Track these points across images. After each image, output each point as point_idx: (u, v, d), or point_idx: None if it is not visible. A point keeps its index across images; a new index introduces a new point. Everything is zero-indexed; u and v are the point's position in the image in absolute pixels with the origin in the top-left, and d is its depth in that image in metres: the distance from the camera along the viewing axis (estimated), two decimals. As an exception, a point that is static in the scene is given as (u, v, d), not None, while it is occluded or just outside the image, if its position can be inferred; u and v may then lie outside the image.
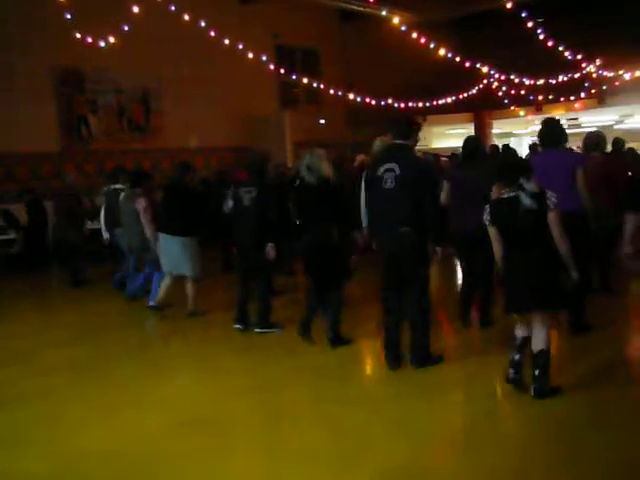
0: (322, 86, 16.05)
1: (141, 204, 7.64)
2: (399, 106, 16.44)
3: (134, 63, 14.26)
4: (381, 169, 5.08)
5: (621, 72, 15.22)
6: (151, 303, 7.66)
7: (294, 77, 15.98)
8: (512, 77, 16.25)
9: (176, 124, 15.37)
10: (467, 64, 15.20)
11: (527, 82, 16.31)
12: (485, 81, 16.70)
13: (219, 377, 5.57)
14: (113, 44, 11.61)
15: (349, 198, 6.43)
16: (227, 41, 12.91)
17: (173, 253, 7.23)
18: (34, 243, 11.31)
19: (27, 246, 11.38)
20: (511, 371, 4.64)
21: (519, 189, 4.41)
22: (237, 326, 6.76)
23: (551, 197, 4.36)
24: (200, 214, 7.49)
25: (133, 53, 13.51)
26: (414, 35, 13.77)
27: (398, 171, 4.98)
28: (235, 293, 7.03)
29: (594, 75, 15.70)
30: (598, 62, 15.27)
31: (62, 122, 13.97)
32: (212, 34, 12.60)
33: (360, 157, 9.02)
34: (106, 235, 9.04)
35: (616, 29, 14.73)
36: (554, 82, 15.88)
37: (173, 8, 11.76)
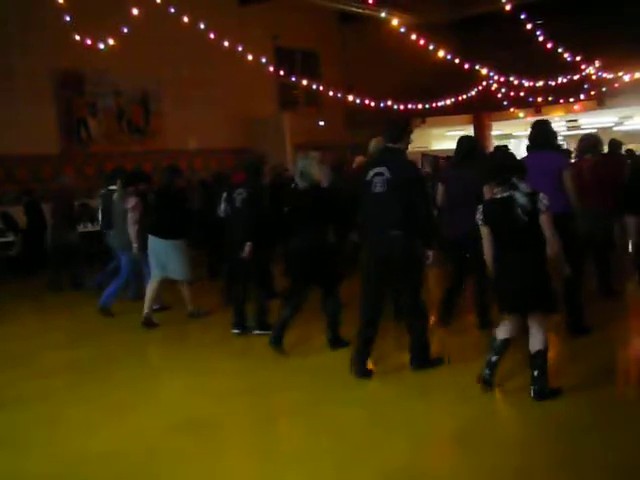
0: (321, 88, 16.04)
1: (130, 203, 7.68)
2: (398, 108, 16.44)
3: (133, 65, 14.26)
4: (371, 173, 5.06)
5: (620, 74, 15.22)
6: (102, 303, 7.79)
7: (293, 79, 15.95)
8: (511, 79, 16.24)
9: (176, 126, 15.38)
10: (466, 66, 15.18)
11: (526, 84, 16.30)
12: (484, 83, 16.69)
13: (217, 379, 5.57)
14: (112, 46, 11.59)
15: (348, 201, 6.41)
16: (226, 43, 12.89)
17: (163, 256, 7.24)
18: (33, 246, 11.31)
19: (26, 249, 11.37)
20: (486, 372, 4.62)
21: (512, 189, 4.41)
22: (235, 331, 6.75)
23: (543, 199, 4.36)
24: (190, 217, 7.52)
25: (132, 55, 13.50)
26: (413, 37, 13.76)
27: (387, 175, 4.96)
28: (222, 297, 7.05)
29: (593, 77, 15.69)
30: (597, 64, 15.27)
31: (62, 124, 13.96)
32: (211, 36, 12.59)
33: (359, 159, 9.01)
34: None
35: (616, 29, 14.74)
36: (553, 84, 15.88)
37: (172, 10, 11.76)
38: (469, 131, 19.05)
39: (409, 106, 16.73)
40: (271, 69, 14.87)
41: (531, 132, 5.99)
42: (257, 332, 6.61)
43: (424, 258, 5.08)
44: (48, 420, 4.85)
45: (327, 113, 18.13)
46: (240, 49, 13.28)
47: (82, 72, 14.06)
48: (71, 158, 13.86)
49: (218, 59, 14.27)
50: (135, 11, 11.11)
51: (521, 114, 17.46)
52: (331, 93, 15.90)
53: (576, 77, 15.56)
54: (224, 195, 6.88)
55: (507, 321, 4.65)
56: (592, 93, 16.38)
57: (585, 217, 6.72)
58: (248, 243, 6.42)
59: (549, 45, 14.35)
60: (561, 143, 21.59)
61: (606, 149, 9.12)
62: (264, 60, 14.10)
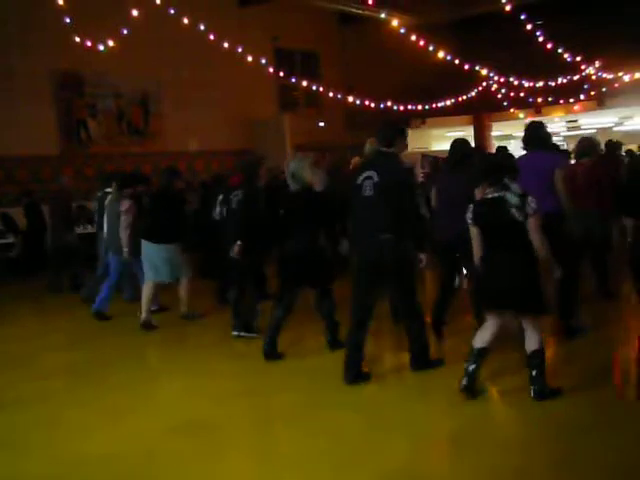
0: (321, 89, 16.05)
1: (124, 205, 7.62)
2: (398, 108, 16.44)
3: (133, 67, 14.26)
4: (361, 177, 5.04)
5: (620, 74, 15.22)
6: (96, 308, 7.79)
7: (293, 80, 15.96)
8: (511, 79, 16.23)
9: (176, 127, 15.38)
10: (466, 66, 15.18)
11: (526, 84, 16.29)
12: (484, 83, 16.69)
13: (215, 381, 5.57)
14: (112, 48, 11.59)
15: (342, 204, 6.36)
16: (226, 44, 12.90)
17: (156, 260, 7.20)
18: (33, 247, 11.31)
19: (26, 250, 11.38)
20: (465, 381, 4.57)
21: (504, 189, 4.41)
22: (235, 333, 6.72)
23: (531, 202, 4.35)
24: (185, 221, 7.50)
25: (132, 57, 13.51)
26: (413, 37, 13.76)
27: (376, 178, 4.94)
28: (216, 298, 7.03)
29: (593, 77, 15.69)
30: (597, 64, 15.27)
31: (61, 126, 13.98)
32: (211, 37, 12.60)
33: (355, 160, 9.01)
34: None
35: (615, 29, 14.74)
36: (553, 84, 15.87)
37: (172, 11, 11.77)
38: (469, 132, 19.06)
39: (409, 107, 16.74)
40: (271, 70, 14.88)
41: (525, 133, 6.01)
42: (242, 334, 6.58)
43: (416, 261, 5.05)
44: (48, 422, 4.85)
45: (327, 114, 18.13)
46: (240, 50, 13.29)
47: (82, 73, 14.08)
48: (71, 159, 13.87)
49: (218, 60, 14.27)
50: (135, 12, 11.12)
51: (521, 115, 17.45)
52: (331, 94, 15.90)
53: (576, 77, 15.56)
54: (220, 197, 6.88)
55: (486, 327, 4.61)
56: (592, 93, 16.38)
57: (582, 218, 6.73)
58: (238, 242, 6.41)
59: (549, 45, 14.35)
60: (561, 144, 21.63)
61: (604, 150, 9.11)
62: (264, 61, 14.11)
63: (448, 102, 16.97)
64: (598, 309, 6.85)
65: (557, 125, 20.57)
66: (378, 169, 5.00)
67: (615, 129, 20.41)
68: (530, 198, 4.37)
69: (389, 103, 16.18)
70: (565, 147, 19.67)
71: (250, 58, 13.61)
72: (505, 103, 17.31)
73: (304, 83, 15.74)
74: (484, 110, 18.30)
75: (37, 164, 13.37)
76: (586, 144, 7.07)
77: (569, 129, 20.87)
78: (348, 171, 9.63)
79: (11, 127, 12.56)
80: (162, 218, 7.17)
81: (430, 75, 15.73)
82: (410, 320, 5.18)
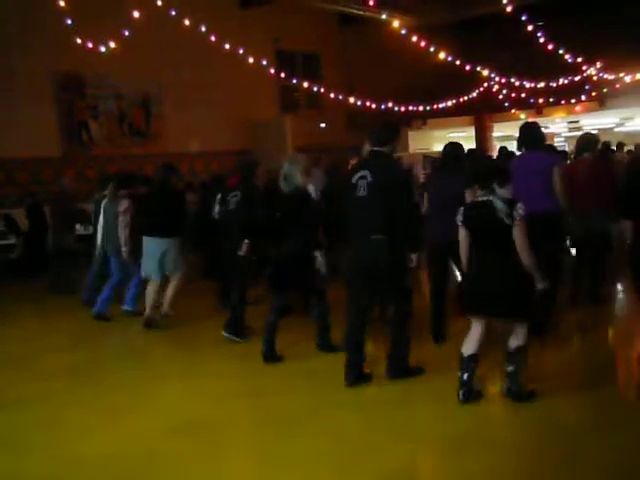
0: (323, 90, 16.06)
1: (123, 205, 7.64)
2: (399, 109, 16.44)
3: (135, 68, 14.27)
4: (355, 177, 5.03)
5: (622, 75, 15.21)
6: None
7: (295, 81, 15.98)
8: (512, 80, 16.23)
9: (177, 129, 15.39)
10: (467, 67, 15.19)
11: (527, 85, 16.29)
12: (485, 84, 16.68)
13: (215, 382, 5.57)
14: (114, 49, 11.60)
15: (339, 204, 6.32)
16: (227, 46, 12.92)
17: (160, 255, 7.23)
18: (34, 249, 11.32)
19: (27, 251, 11.38)
20: (461, 391, 4.55)
21: (491, 193, 4.41)
22: (225, 334, 6.66)
23: (519, 209, 4.31)
24: (184, 216, 7.51)
25: (134, 58, 13.52)
26: (414, 38, 13.75)
27: (370, 178, 4.92)
28: (218, 299, 6.98)
29: (594, 78, 15.69)
30: (598, 65, 15.26)
31: (63, 127, 13.98)
32: (212, 39, 12.61)
33: (353, 161, 9.01)
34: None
35: (616, 30, 14.73)
36: (555, 85, 15.86)
37: (174, 13, 11.79)
38: (470, 133, 19.07)
39: (410, 108, 16.75)
40: (272, 72, 14.90)
41: (519, 134, 6.01)
42: (226, 335, 6.55)
43: (408, 262, 5.00)
44: (48, 422, 4.86)
45: (328, 115, 18.13)
46: (241, 52, 13.32)
47: (83, 75, 14.08)
48: (72, 161, 13.87)
49: (219, 62, 14.28)
50: (136, 14, 11.12)
51: (522, 115, 17.43)
52: (332, 95, 15.90)
53: (577, 78, 15.55)
54: (218, 197, 6.89)
55: (471, 334, 4.59)
56: (593, 94, 16.37)
57: (582, 218, 6.73)
58: (246, 241, 6.41)
59: (550, 46, 14.35)
60: (562, 144, 21.61)
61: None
62: (265, 63, 14.12)
63: (449, 103, 16.97)
64: (597, 309, 6.84)
65: (558, 126, 20.59)
66: (372, 169, 4.98)
67: (616, 130, 20.41)
68: (519, 205, 4.33)
69: (390, 104, 16.18)
70: (566, 148, 19.65)
71: (251, 59, 13.63)
72: (506, 104, 17.31)
73: (305, 84, 15.75)
74: (485, 111, 18.30)
75: (38, 166, 13.37)
76: (586, 140, 7.09)
77: (570, 130, 20.87)
78: (347, 171, 9.62)
79: (12, 128, 12.55)
80: (161, 213, 7.18)
81: (431, 76, 15.73)
82: (396, 324, 5.08)
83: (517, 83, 16.27)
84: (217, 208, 6.88)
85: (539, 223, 4.92)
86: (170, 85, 15.23)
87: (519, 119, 17.83)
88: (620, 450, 3.82)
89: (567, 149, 18.75)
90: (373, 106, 15.93)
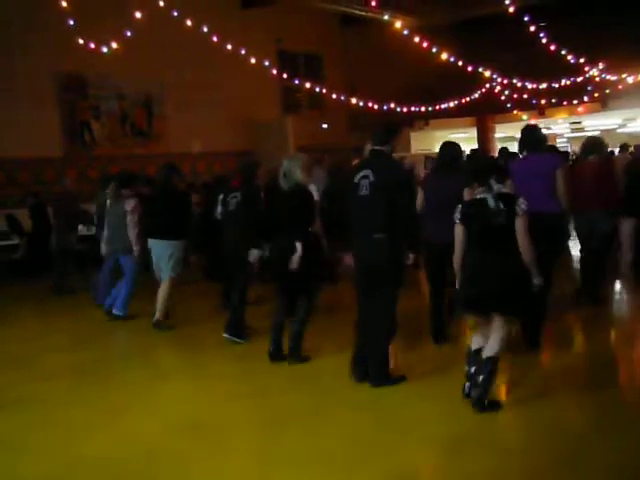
0: (325, 91, 16.06)
1: (130, 205, 7.60)
2: (402, 110, 16.44)
3: (137, 69, 14.29)
4: (357, 176, 5.03)
5: (624, 76, 15.20)
6: (115, 311, 7.73)
7: (297, 82, 15.98)
8: (515, 81, 16.23)
9: (179, 129, 15.40)
10: (469, 68, 15.19)
11: (530, 86, 16.28)
12: (488, 85, 16.68)
13: (219, 382, 5.56)
14: (116, 50, 11.61)
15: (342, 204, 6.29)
16: (229, 46, 12.93)
17: (166, 258, 7.22)
18: (37, 249, 11.33)
19: (30, 252, 11.39)
20: (467, 385, 4.54)
21: (489, 190, 4.41)
22: (226, 336, 6.65)
23: (521, 204, 4.32)
24: (189, 217, 7.49)
25: (136, 59, 13.52)
26: (416, 39, 13.77)
27: (372, 178, 4.92)
28: (222, 301, 6.97)
29: (597, 79, 15.68)
30: (601, 65, 15.25)
31: (65, 128, 14.00)
32: (214, 39, 12.62)
33: (355, 161, 9.01)
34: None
35: (619, 31, 14.71)
36: (557, 86, 15.86)
37: (175, 14, 11.79)
38: (472, 133, 19.06)
39: (412, 108, 16.74)
40: (274, 72, 14.91)
41: (521, 137, 6.00)
42: (227, 336, 6.55)
43: (405, 260, 4.98)
44: (48, 422, 4.85)
45: (330, 116, 18.14)
46: (243, 52, 13.33)
47: (85, 75, 14.10)
48: (74, 161, 13.89)
49: (221, 62, 14.29)
50: (138, 14, 11.13)
51: (525, 116, 17.43)
52: (334, 96, 15.91)
53: (579, 79, 15.54)
54: (220, 197, 6.89)
55: (478, 331, 4.59)
56: (596, 95, 16.35)
57: (586, 219, 6.72)
58: (255, 251, 6.29)
59: (552, 47, 14.35)
60: (565, 145, 21.58)
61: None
62: (267, 63, 14.13)
63: (451, 104, 16.97)
64: (597, 310, 6.83)
65: (561, 127, 20.57)
66: (374, 168, 4.99)
67: (619, 131, 20.39)
68: (521, 200, 4.34)
69: (392, 105, 16.19)
70: (569, 149, 19.63)
71: (253, 60, 13.64)
72: (508, 105, 17.29)
73: (307, 85, 15.75)
74: (487, 112, 18.29)
75: (40, 166, 13.38)
76: (592, 142, 7.09)
77: (573, 130, 20.85)
78: (349, 171, 9.62)
79: (14, 129, 12.57)
80: (162, 214, 7.16)
81: (433, 77, 15.73)
82: (379, 325, 5.02)
83: (519, 84, 16.26)
84: (219, 209, 6.87)
85: (540, 224, 4.92)
86: (172, 85, 15.24)
87: (521, 120, 17.84)
88: (622, 451, 3.80)
89: (570, 150, 18.74)
90: (375, 107, 15.93)
